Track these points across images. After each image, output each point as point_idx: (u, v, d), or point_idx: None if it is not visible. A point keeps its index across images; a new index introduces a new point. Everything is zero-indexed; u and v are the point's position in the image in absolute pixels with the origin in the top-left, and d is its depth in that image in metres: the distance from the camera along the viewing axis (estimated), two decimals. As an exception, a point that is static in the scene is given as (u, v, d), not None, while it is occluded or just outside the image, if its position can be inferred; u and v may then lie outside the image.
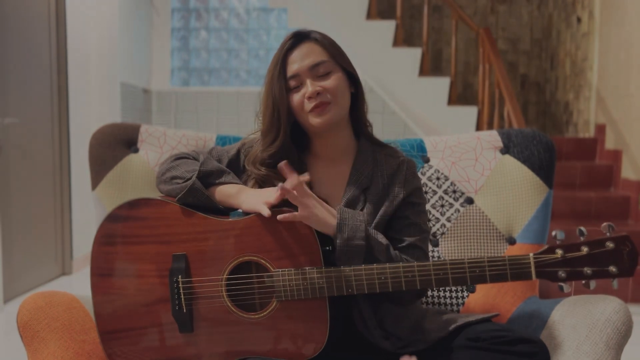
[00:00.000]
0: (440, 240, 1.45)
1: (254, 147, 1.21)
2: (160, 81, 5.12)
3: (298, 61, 1.15)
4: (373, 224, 1.16)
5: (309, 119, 1.16)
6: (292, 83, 1.16)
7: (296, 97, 1.16)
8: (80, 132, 3.69)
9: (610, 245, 0.98)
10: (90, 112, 3.90)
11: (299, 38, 1.18)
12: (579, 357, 1.09)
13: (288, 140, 1.17)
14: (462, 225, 1.44)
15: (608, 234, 0.99)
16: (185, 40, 5.26)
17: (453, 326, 1.12)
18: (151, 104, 5.04)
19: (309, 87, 1.14)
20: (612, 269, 0.98)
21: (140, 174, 1.46)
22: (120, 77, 4.26)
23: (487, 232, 1.44)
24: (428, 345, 1.11)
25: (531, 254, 1.01)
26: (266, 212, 1.05)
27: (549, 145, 1.45)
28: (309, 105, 1.15)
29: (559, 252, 1.00)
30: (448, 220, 1.45)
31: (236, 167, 1.23)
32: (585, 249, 0.99)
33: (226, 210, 1.15)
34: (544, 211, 1.43)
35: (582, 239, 1.00)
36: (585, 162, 4.29)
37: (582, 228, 1.00)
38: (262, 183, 1.18)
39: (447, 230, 1.45)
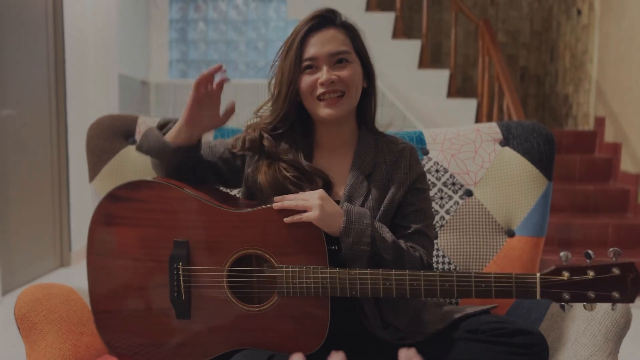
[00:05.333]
0: (439, 232, 1.44)
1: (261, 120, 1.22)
2: (158, 73, 5.10)
3: (318, 45, 1.13)
4: (380, 211, 1.15)
5: (317, 108, 1.15)
6: (308, 64, 1.14)
7: (308, 80, 1.14)
8: (78, 124, 3.68)
9: (616, 271, 0.98)
10: (88, 104, 3.88)
11: (324, 21, 1.15)
12: (577, 349, 1.09)
13: (287, 113, 1.16)
14: (461, 218, 1.44)
15: (614, 259, 0.99)
16: (184, 32, 5.24)
17: (452, 318, 1.12)
18: (149, 96, 5.03)
19: (325, 74, 1.13)
20: (615, 294, 0.98)
21: (138, 165, 1.45)
22: (118, 69, 4.24)
23: (486, 224, 1.43)
24: (427, 337, 1.11)
25: (538, 274, 1.01)
26: (192, 92, 1.07)
27: (548, 138, 1.44)
28: (319, 91, 1.14)
29: (566, 274, 0.99)
30: (447, 212, 1.44)
31: (235, 157, 1.22)
32: (591, 273, 0.99)
33: (230, 198, 1.15)
34: (543, 204, 1.43)
35: (588, 261, 1.00)
36: (585, 155, 4.29)
37: (590, 251, 1.00)
38: (250, 148, 1.19)
39: (446, 222, 1.44)
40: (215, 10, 5.24)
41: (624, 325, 1.10)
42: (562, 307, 1.00)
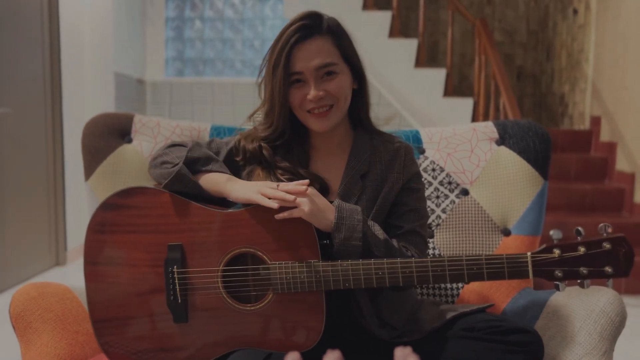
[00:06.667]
0: (435, 231, 1.45)
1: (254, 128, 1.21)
2: (154, 71, 5.09)
3: (305, 59, 1.11)
4: (373, 210, 1.16)
5: (307, 120, 1.16)
6: (295, 78, 1.13)
7: (296, 94, 1.14)
8: (73, 122, 3.67)
9: (607, 246, 0.98)
10: (84, 102, 3.87)
11: (309, 31, 1.12)
12: (573, 348, 1.09)
13: (283, 129, 1.16)
14: (457, 217, 1.44)
15: (605, 234, 0.99)
16: (180, 30, 5.22)
17: (448, 316, 1.12)
18: (145, 94, 5.01)
19: (312, 90, 1.12)
20: (608, 269, 0.99)
21: (134, 164, 1.44)
22: (114, 67, 4.23)
23: (482, 223, 1.44)
24: (423, 336, 1.12)
25: (529, 253, 1.01)
26: (267, 202, 1.03)
27: (544, 137, 1.44)
28: (308, 105, 1.14)
29: (557, 251, 1.00)
30: (443, 211, 1.45)
31: (233, 160, 1.22)
32: (582, 249, 0.99)
33: (219, 201, 1.15)
34: (539, 203, 1.43)
35: (579, 238, 1.00)
36: (580, 154, 4.30)
37: (580, 228, 1.00)
38: (251, 159, 1.18)
39: (443, 221, 1.44)
40: (212, 9, 5.22)
41: (619, 324, 1.10)
42: (557, 287, 1.01)
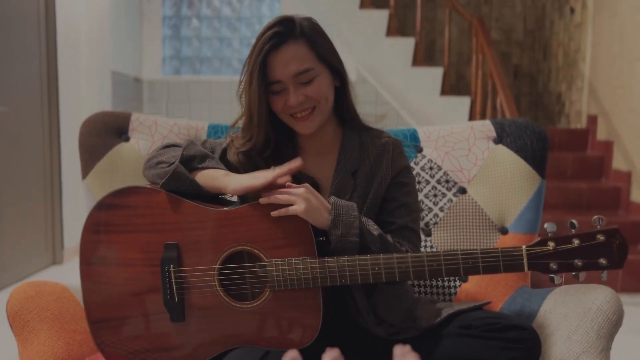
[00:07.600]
0: (432, 230, 1.45)
1: (235, 140, 1.21)
2: (151, 70, 5.08)
3: (281, 67, 1.11)
4: (364, 208, 1.16)
5: (292, 124, 1.17)
6: (274, 87, 1.13)
7: (278, 101, 1.14)
8: (70, 120, 3.66)
9: (601, 237, 1.00)
10: (81, 100, 3.86)
11: (283, 37, 1.11)
12: (570, 346, 1.09)
13: (263, 140, 1.16)
14: (454, 215, 1.44)
15: (599, 226, 1.00)
16: (177, 29, 5.21)
17: (445, 314, 1.12)
18: (142, 92, 5.00)
19: (292, 96, 1.12)
20: (602, 261, 1.00)
21: (131, 163, 1.44)
22: (111, 66, 4.22)
23: (479, 221, 1.44)
24: (420, 333, 1.12)
25: (524, 246, 1.02)
26: (259, 181, 1.03)
27: (542, 136, 1.45)
28: (290, 110, 1.14)
29: (551, 244, 1.01)
30: (441, 210, 1.45)
31: (228, 160, 1.22)
32: (576, 242, 1.00)
33: (216, 198, 1.15)
34: (536, 201, 1.44)
35: (573, 231, 1.01)
36: (577, 152, 4.31)
37: (574, 221, 1.01)
38: (244, 170, 1.18)
39: (440, 220, 1.45)
40: (209, 7, 5.21)
41: (616, 322, 1.11)
42: (552, 279, 1.02)
